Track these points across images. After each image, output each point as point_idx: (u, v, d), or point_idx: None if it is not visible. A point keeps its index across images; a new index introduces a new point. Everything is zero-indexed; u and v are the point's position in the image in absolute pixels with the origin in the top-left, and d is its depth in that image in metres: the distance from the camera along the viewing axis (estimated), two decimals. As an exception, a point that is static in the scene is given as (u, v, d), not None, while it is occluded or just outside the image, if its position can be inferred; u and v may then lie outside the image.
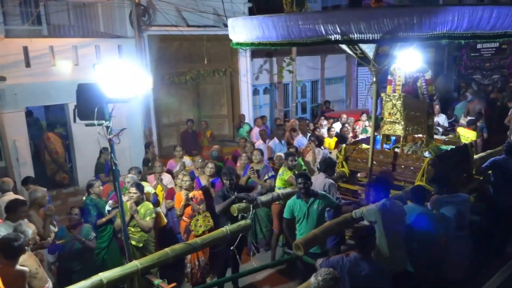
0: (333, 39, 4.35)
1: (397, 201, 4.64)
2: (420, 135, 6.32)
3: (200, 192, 6.17)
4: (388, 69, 6.11)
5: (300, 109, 14.82)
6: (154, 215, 5.54)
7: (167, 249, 4.43)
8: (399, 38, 4.25)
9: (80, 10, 10.30)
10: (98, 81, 4.08)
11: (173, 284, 4.14)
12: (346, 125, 9.32)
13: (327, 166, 5.75)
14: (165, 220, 6.20)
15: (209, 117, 12.26)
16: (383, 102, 6.12)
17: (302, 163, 7.47)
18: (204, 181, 6.54)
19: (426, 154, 5.99)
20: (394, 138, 6.48)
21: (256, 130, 10.45)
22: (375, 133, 5.84)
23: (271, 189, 6.61)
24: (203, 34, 11.36)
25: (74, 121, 4.33)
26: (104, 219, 5.79)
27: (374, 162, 5.92)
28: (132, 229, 5.46)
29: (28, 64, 8.88)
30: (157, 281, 4.16)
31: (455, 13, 4.11)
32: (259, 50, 13.06)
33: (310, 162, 7.63)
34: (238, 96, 12.84)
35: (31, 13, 9.34)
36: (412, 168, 5.68)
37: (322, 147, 8.37)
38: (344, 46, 5.15)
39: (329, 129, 9.26)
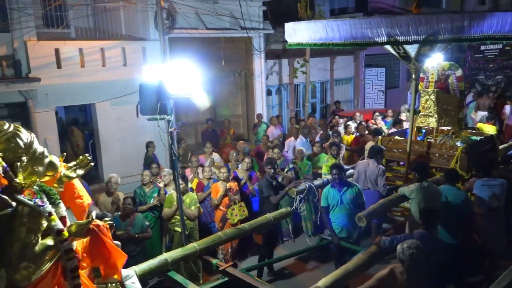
0: (392, 40, 5.13)
1: (433, 183, 5.26)
2: (449, 128, 6.88)
3: (236, 183, 6.60)
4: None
5: (310, 109, 15.24)
6: (198, 205, 5.97)
7: (219, 233, 4.85)
8: (451, 40, 5.02)
9: (105, 14, 10.71)
10: (163, 80, 4.49)
11: (231, 263, 4.55)
12: (363, 122, 9.78)
13: (376, 152, 6.43)
14: (202, 210, 6.63)
15: (225, 117, 12.68)
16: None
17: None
18: (241, 174, 6.96)
19: (458, 143, 6.60)
20: (424, 130, 7.01)
21: (272, 129, 10.91)
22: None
23: (291, 179, 7.09)
24: (221, 37, 11.79)
25: (137, 116, 4.72)
26: (144, 207, 6.21)
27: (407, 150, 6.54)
28: (178, 218, 5.87)
29: (59, 66, 9.28)
30: (214, 261, 4.57)
31: (499, 18, 4.82)
32: (272, 52, 13.54)
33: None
34: (253, 96, 13.26)
35: (60, 17, 9.74)
36: (446, 156, 6.37)
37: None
38: (388, 47, 5.75)
39: (346, 127, 9.71)
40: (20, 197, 2.52)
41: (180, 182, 5.95)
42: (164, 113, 4.56)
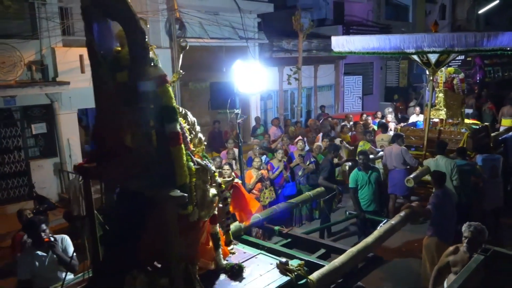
0: (431, 50, 6.90)
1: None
2: (454, 120, 8.70)
3: (266, 171, 7.65)
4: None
5: (296, 113, 16.47)
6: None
7: (274, 206, 5.87)
8: (472, 51, 6.84)
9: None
10: (232, 79, 5.50)
11: (290, 228, 5.57)
12: (361, 122, 11.14)
13: (398, 137, 8.00)
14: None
15: (222, 120, 13.65)
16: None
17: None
18: (276, 163, 8.03)
19: (463, 130, 8.32)
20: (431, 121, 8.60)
21: (274, 129, 12.04)
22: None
23: (313, 171, 8.24)
24: (222, 46, 12.81)
25: (209, 109, 5.68)
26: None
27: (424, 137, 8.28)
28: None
29: (83, 70, 9.97)
30: (276, 227, 5.58)
31: (510, 36, 6.58)
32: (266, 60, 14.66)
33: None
34: (247, 101, 14.31)
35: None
36: (454, 140, 8.15)
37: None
38: (415, 56, 7.54)
39: (342, 127, 10.98)
40: (195, 159, 3.47)
41: (228, 168, 6.97)
42: (233, 107, 5.56)
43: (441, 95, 8.25)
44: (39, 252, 4.14)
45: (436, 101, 8.35)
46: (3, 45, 8.90)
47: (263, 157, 8.36)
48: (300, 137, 9.22)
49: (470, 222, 4.37)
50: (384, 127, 9.70)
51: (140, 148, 3.07)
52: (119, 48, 3.28)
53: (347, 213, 7.10)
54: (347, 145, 9.70)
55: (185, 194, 2.92)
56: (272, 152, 9.39)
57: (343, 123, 11.47)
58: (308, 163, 8.43)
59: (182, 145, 3.09)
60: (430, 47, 6.63)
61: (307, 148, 9.18)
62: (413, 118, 11.95)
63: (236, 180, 3.79)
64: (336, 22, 18.69)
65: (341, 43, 7.54)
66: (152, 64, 3.06)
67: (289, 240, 5.33)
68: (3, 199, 9.36)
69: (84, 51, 10.07)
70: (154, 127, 3.10)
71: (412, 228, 6.82)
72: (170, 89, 3.07)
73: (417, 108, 13.00)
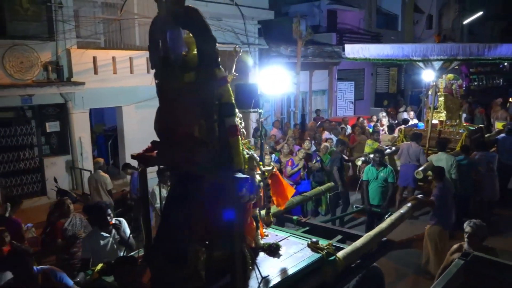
0: (440, 58, 7.99)
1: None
2: (452, 121, 9.65)
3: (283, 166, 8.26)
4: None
5: (292, 116, 17.08)
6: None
7: (291, 199, 6.42)
8: (474, 59, 7.95)
9: (128, 27, 11.90)
10: (257, 82, 6.03)
11: (308, 217, 6.12)
12: (359, 125, 11.82)
13: (417, 137, 8.88)
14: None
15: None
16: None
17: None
18: (296, 161, 8.71)
19: (461, 131, 9.26)
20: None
21: (275, 130, 12.62)
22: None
23: (319, 169, 8.85)
24: (226, 50, 13.30)
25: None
26: None
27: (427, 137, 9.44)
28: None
29: (96, 72, 10.40)
30: (295, 217, 6.13)
31: (507, 47, 7.55)
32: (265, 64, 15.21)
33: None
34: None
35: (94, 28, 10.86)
36: (453, 139, 9.15)
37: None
38: (421, 64, 8.41)
39: (341, 129, 11.64)
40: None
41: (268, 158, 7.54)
42: (257, 107, 6.08)
43: (441, 99, 9.25)
44: (104, 233, 4.62)
45: (438, 105, 9.29)
46: (22, 46, 9.28)
47: (272, 156, 8.92)
48: (308, 138, 9.86)
49: (471, 218, 4.88)
50: (390, 129, 10.61)
51: (205, 138, 3.59)
52: (184, 53, 3.80)
53: (354, 206, 7.71)
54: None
55: (248, 176, 3.45)
56: (277, 152, 9.96)
57: (341, 126, 12.11)
58: (314, 161, 9.01)
59: (239, 136, 3.62)
60: (438, 55, 7.60)
61: (313, 148, 9.77)
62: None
63: (276, 169, 4.33)
64: (329, 30, 19.42)
65: (356, 50, 8.30)
66: (218, 67, 3.58)
67: (307, 228, 5.89)
68: (18, 195, 9.66)
69: (97, 53, 10.61)
70: (217, 120, 3.62)
71: (411, 222, 7.49)
72: (230, 88, 3.60)
73: (411, 113, 13.92)
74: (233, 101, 3.72)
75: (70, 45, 10.03)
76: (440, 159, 7.81)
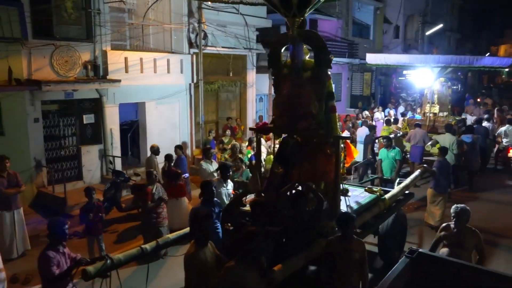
0: (443, 66, 10.60)
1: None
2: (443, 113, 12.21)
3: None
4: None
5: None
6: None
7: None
8: (467, 67, 10.61)
9: (151, 32, 13.29)
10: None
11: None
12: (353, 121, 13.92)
13: (420, 125, 11.85)
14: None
15: (222, 119, 15.74)
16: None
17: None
18: None
19: (450, 120, 11.76)
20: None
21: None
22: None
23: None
24: (230, 54, 14.93)
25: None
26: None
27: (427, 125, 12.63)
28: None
29: (126, 70, 11.74)
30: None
31: (493, 58, 10.30)
32: (260, 67, 16.93)
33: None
34: (245, 102, 16.54)
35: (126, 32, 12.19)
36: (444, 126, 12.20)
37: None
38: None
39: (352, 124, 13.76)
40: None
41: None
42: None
43: (436, 96, 12.10)
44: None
45: (435, 100, 12.33)
46: (66, 46, 10.52)
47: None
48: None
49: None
50: (395, 121, 13.64)
51: (318, 113, 5.29)
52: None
53: (370, 175, 9.89)
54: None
55: (349, 136, 5.25)
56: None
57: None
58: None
59: (337, 114, 5.39)
60: (443, 63, 10.46)
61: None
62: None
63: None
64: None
65: (378, 58, 11.34)
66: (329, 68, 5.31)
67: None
68: (58, 179, 10.81)
69: (128, 54, 11.95)
70: (324, 102, 5.36)
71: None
72: (331, 81, 5.34)
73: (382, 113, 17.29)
74: (333, 90, 5.47)
75: (106, 47, 11.34)
76: (445, 138, 10.57)
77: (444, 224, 5.41)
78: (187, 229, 5.34)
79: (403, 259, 3.96)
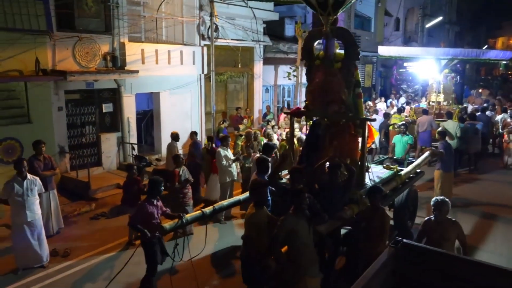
0: (451, 58, 11.64)
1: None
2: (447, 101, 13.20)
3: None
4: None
5: (286, 105, 19.46)
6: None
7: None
8: (474, 59, 11.56)
9: (165, 25, 13.79)
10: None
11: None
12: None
13: (427, 112, 12.37)
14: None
15: (230, 108, 16.32)
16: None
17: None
18: None
19: (454, 108, 12.51)
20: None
21: (282, 115, 14.93)
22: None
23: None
24: (239, 46, 15.47)
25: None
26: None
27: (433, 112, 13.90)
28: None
29: (143, 62, 12.27)
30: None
31: (497, 52, 11.29)
32: (267, 59, 17.47)
33: None
34: (252, 93, 17.12)
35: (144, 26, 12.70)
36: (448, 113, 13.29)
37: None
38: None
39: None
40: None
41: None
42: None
43: (441, 86, 13.14)
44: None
45: (441, 90, 13.44)
46: (87, 38, 11.03)
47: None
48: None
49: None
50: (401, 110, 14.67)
51: (347, 99, 5.94)
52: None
53: (380, 156, 10.78)
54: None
55: (374, 118, 6.00)
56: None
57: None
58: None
59: (362, 99, 6.06)
60: (451, 55, 11.63)
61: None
62: (389, 110, 15.86)
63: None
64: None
65: (392, 50, 12.66)
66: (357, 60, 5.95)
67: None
68: (79, 165, 11.37)
69: (144, 46, 12.53)
70: (352, 89, 6.01)
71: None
72: (358, 71, 6.02)
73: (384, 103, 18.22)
74: (359, 78, 6.15)
75: (123, 39, 11.86)
76: (449, 124, 11.55)
77: (425, 219, 5.57)
78: (237, 197, 6.47)
79: (388, 249, 3.97)
